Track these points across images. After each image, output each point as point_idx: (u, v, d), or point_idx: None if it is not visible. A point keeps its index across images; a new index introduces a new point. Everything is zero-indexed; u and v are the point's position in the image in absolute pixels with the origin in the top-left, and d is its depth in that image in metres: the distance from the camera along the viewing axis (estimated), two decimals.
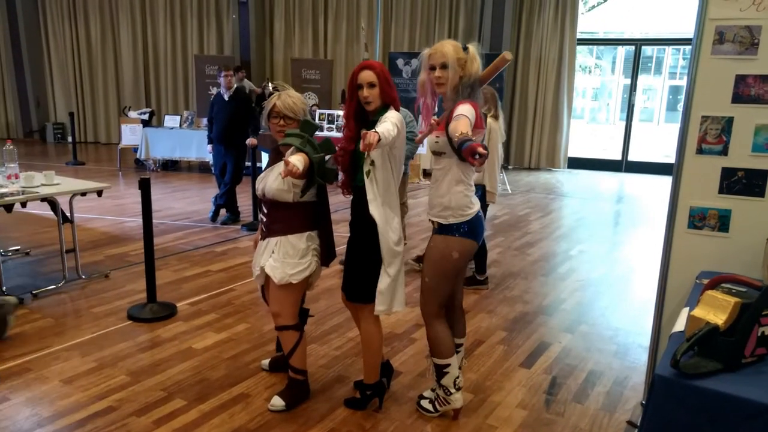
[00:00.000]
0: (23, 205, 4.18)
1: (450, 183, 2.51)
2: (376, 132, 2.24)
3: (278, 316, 2.73)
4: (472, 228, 2.55)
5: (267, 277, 2.76)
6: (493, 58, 2.57)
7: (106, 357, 3.33)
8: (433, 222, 2.62)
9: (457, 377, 2.73)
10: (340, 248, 2.93)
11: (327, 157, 2.61)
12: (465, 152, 1.99)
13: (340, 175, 2.73)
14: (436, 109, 2.68)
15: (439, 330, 2.67)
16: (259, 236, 2.85)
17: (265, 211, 2.75)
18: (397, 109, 2.57)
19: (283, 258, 2.67)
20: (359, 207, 2.60)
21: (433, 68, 2.48)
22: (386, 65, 10.18)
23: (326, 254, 2.79)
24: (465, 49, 2.49)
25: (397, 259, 2.63)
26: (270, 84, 10.03)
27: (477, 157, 1.97)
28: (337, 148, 2.66)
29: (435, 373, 2.76)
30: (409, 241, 5.61)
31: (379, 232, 2.56)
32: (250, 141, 6.32)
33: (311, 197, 2.70)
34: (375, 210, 2.55)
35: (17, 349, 3.40)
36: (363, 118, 2.60)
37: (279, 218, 2.70)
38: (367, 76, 2.51)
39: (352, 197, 2.68)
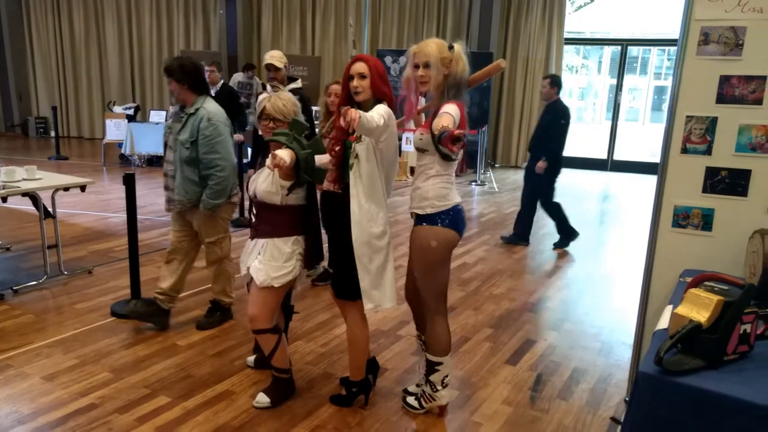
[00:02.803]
0: (4, 200, 4.12)
1: (430, 177, 2.54)
2: (357, 111, 2.21)
3: (255, 319, 2.70)
4: (451, 219, 2.55)
5: (251, 279, 2.74)
6: (481, 56, 2.59)
7: (88, 354, 3.29)
8: (412, 214, 2.64)
9: (446, 376, 2.74)
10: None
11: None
12: (444, 141, 2.04)
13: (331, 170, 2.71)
14: (419, 105, 2.69)
15: (439, 327, 2.67)
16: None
17: (255, 212, 2.74)
18: (391, 106, 2.55)
19: (268, 260, 2.65)
20: (347, 203, 2.58)
21: (417, 66, 2.49)
22: None
23: (312, 257, 2.77)
24: (450, 48, 2.50)
25: (379, 253, 2.61)
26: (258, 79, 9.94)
27: (456, 141, 2.01)
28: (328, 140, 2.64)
29: (426, 368, 2.76)
30: (397, 238, 5.61)
31: (353, 227, 2.54)
32: (237, 137, 6.27)
33: (300, 200, 2.68)
34: (355, 205, 2.54)
35: None
36: None
37: (267, 220, 2.69)
38: (359, 67, 2.52)
39: (340, 192, 2.66)
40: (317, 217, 2.76)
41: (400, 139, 3.95)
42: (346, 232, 2.59)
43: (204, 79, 3.56)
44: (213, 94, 6.15)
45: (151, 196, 7.62)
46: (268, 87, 4.63)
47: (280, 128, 2.64)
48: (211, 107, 3.42)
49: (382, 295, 2.65)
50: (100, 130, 13.07)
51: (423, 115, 2.81)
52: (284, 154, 2.35)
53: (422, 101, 2.73)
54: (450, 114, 2.31)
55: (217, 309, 3.78)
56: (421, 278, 2.64)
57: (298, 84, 4.52)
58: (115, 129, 10.07)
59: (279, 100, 2.68)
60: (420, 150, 2.57)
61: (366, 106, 2.51)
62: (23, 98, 14.19)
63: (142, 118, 11.00)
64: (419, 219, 2.59)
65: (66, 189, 4.45)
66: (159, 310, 3.60)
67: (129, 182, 3.77)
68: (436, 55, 2.45)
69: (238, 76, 9.82)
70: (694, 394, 1.53)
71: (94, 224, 6.12)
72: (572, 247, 5.94)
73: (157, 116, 10.24)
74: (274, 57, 4.45)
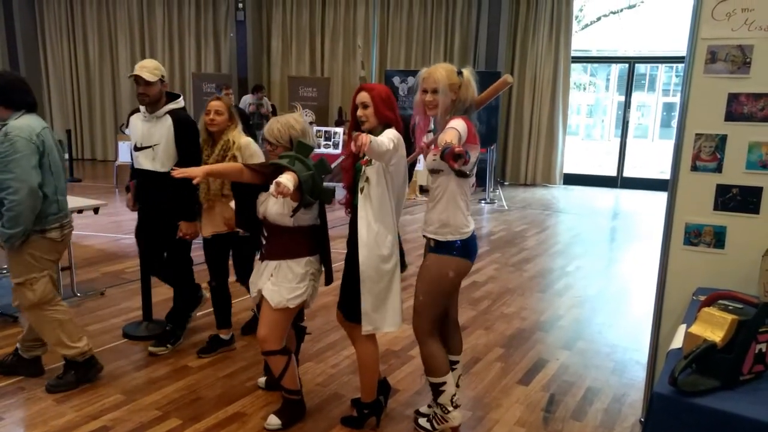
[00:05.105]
0: None
1: (449, 200, 2.53)
2: (368, 135, 2.25)
3: (265, 341, 2.69)
4: (467, 246, 2.57)
5: (261, 300, 2.75)
6: (488, 76, 2.61)
7: (100, 376, 3.29)
8: (428, 239, 2.62)
9: (454, 395, 2.71)
10: (336, 264, 2.92)
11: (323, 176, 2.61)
12: (446, 156, 2.06)
13: (344, 194, 2.73)
14: (431, 126, 2.71)
15: (433, 348, 2.66)
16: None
17: (266, 233, 2.75)
18: (399, 130, 2.58)
19: (281, 282, 2.65)
20: (356, 226, 2.60)
21: (426, 91, 2.52)
22: (382, 83, 10.25)
23: (327, 276, 2.79)
24: (459, 73, 2.52)
25: (384, 276, 2.60)
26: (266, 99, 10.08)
27: (457, 158, 2.03)
28: (335, 165, 2.67)
29: (432, 392, 2.74)
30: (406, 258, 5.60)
31: (359, 250, 2.55)
32: None
33: (311, 220, 2.69)
34: (363, 227, 2.55)
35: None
36: None
37: (279, 242, 2.69)
38: (362, 97, 2.58)
39: (351, 216, 2.68)
40: (327, 237, 2.77)
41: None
42: (354, 254, 2.60)
43: (24, 94, 2.97)
44: None
45: None
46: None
47: (277, 152, 2.66)
48: (18, 122, 2.90)
49: (383, 318, 2.63)
50: (113, 152, 13.21)
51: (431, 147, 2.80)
52: (286, 180, 2.33)
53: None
54: (456, 129, 2.30)
55: (71, 366, 3.14)
56: (426, 302, 2.62)
57: (180, 104, 3.48)
58: (128, 151, 10.17)
59: (276, 123, 2.69)
60: (434, 171, 2.56)
61: (374, 134, 2.53)
62: None
63: None
64: (437, 245, 2.58)
65: (80, 211, 4.50)
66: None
67: None
68: (444, 81, 2.47)
69: (248, 98, 9.97)
70: (709, 415, 1.51)
71: (107, 246, 6.17)
72: (583, 264, 5.90)
73: None
74: (144, 68, 3.31)
